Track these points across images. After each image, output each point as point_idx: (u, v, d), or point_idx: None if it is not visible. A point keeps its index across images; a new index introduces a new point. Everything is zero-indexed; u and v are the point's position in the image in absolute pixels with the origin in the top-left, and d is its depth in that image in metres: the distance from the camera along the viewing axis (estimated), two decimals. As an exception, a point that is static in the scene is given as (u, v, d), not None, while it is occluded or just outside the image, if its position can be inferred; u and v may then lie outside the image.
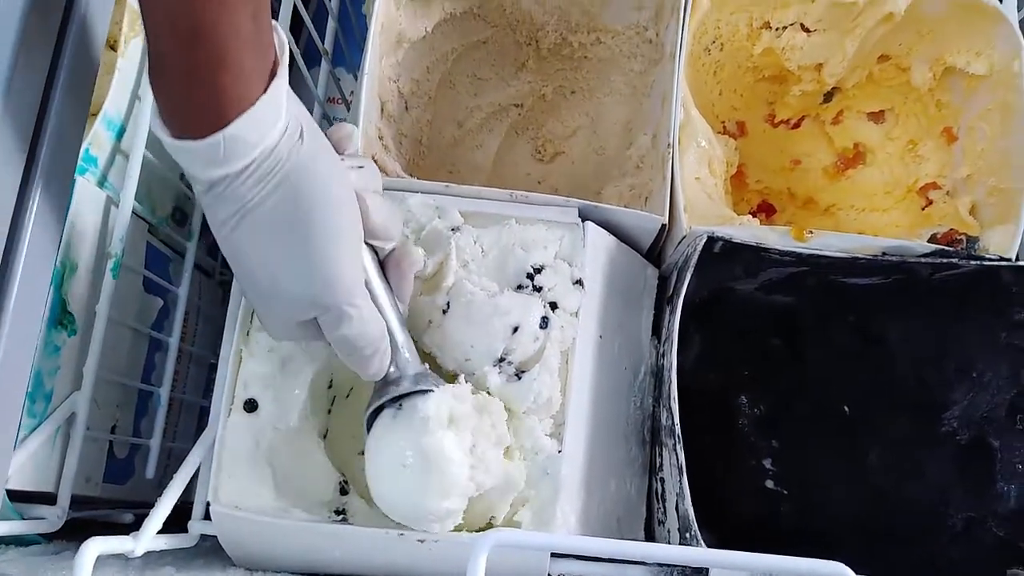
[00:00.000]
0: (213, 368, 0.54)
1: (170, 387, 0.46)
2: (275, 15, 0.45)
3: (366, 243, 0.33)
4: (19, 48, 0.27)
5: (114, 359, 0.41)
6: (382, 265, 0.34)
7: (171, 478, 0.35)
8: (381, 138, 0.44)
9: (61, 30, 0.29)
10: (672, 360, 0.37)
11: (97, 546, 0.28)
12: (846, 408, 0.43)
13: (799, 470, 0.43)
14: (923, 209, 0.47)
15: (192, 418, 0.53)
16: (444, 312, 0.36)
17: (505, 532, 0.27)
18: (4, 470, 0.27)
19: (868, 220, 0.49)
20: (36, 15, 0.28)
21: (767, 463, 0.44)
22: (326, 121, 0.54)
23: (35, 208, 0.27)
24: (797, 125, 0.51)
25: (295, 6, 0.46)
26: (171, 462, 0.48)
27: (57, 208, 0.29)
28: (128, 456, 0.44)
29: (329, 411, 0.39)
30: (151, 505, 0.35)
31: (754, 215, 0.49)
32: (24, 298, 0.27)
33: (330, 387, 0.39)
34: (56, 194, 0.28)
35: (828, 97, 0.49)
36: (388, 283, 0.34)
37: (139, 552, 0.31)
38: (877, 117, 0.50)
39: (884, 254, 0.39)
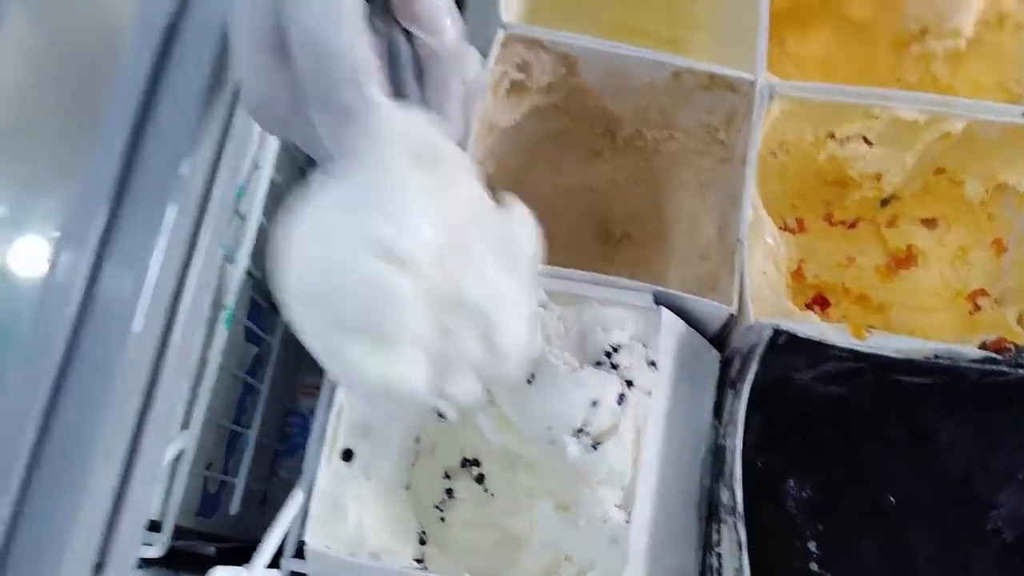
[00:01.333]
0: (287, 412, 0.58)
1: (257, 429, 0.49)
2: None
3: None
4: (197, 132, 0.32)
5: (215, 402, 0.45)
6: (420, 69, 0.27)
7: (248, 514, 0.39)
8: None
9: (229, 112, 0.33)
10: (736, 442, 0.40)
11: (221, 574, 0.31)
12: (892, 499, 0.45)
13: (843, 556, 0.45)
14: (971, 314, 0.50)
15: (264, 457, 0.56)
16: (529, 382, 0.40)
17: None
18: (146, 500, 0.31)
19: (918, 319, 0.52)
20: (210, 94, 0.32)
21: (812, 546, 0.46)
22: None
23: (198, 267, 0.31)
24: (853, 225, 0.54)
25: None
26: (248, 498, 0.51)
27: (212, 269, 0.33)
28: (216, 492, 0.47)
29: (413, 464, 0.42)
30: (230, 539, 0.38)
31: (810, 307, 0.52)
32: (182, 347, 0.31)
33: (417, 442, 0.42)
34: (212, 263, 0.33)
35: (885, 202, 0.52)
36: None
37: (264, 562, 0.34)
38: (930, 224, 0.53)
39: (936, 357, 0.42)
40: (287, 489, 0.39)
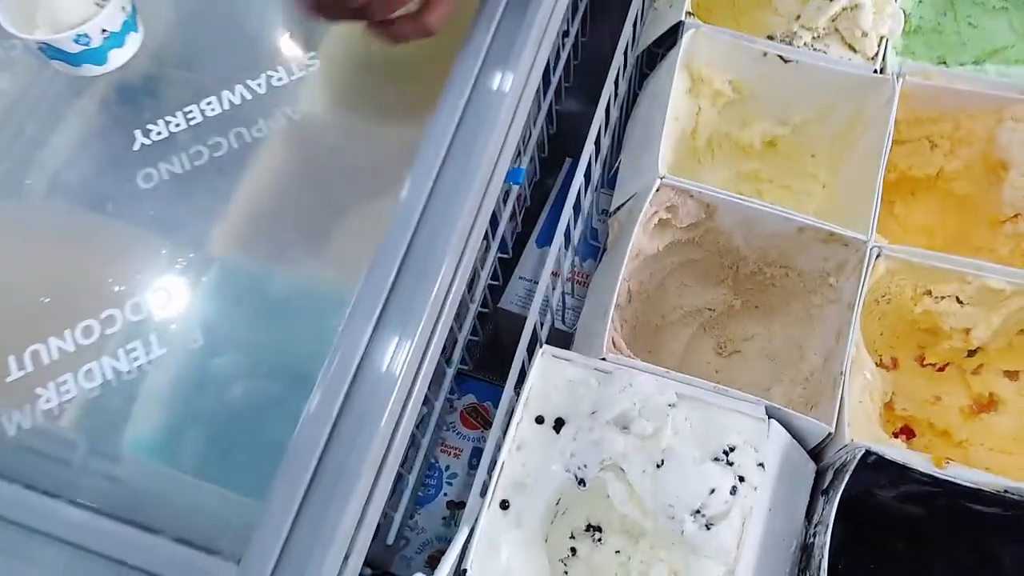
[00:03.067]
0: (429, 465, 0.68)
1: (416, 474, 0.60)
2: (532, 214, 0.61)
3: None
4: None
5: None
6: None
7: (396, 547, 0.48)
8: (615, 324, 0.58)
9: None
10: (825, 540, 0.48)
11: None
12: (959, 613, 0.52)
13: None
14: (1046, 460, 0.57)
15: (411, 500, 0.66)
16: (658, 467, 0.49)
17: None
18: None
19: (994, 458, 0.59)
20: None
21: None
22: (563, 296, 0.69)
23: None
24: (942, 369, 0.62)
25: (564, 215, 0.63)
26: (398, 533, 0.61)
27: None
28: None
29: (551, 523, 0.52)
30: (381, 566, 0.47)
31: (896, 435, 0.60)
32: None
33: (557, 503, 0.52)
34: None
35: (972, 353, 0.60)
36: None
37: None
38: (1012, 376, 0.60)
39: (1006, 491, 0.49)
40: (420, 532, 0.49)
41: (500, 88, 0.49)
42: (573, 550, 0.52)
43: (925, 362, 0.62)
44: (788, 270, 0.63)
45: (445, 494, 0.69)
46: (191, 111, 0.50)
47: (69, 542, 0.37)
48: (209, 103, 0.50)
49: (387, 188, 0.47)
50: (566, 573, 0.52)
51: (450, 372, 0.64)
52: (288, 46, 0.54)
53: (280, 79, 0.52)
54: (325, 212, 0.50)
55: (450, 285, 0.49)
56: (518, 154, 0.67)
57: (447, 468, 0.70)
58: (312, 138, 0.52)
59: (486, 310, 0.73)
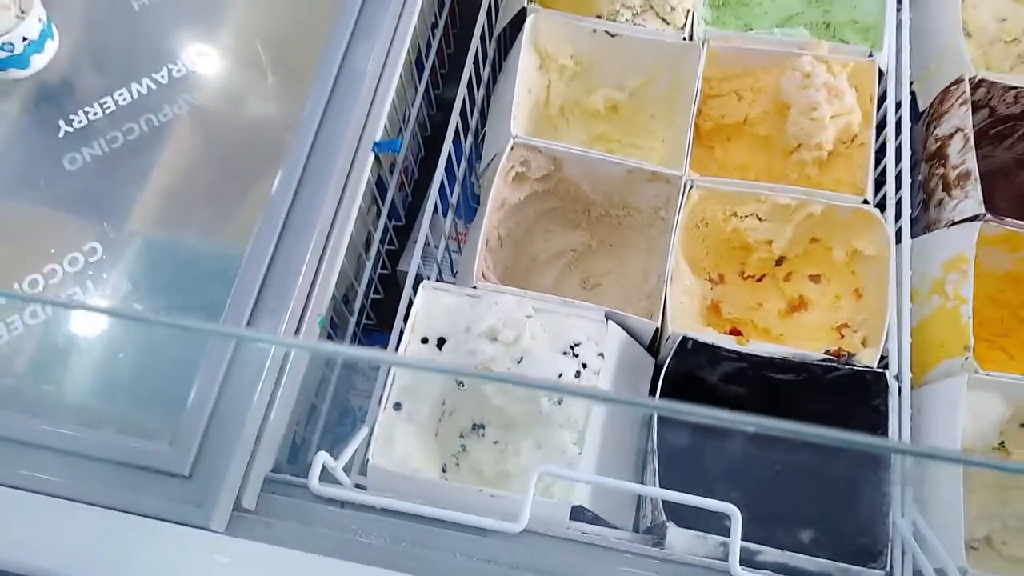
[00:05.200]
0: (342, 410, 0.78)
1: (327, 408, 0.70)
2: (424, 186, 0.73)
3: None
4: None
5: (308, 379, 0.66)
6: None
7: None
8: (486, 262, 0.70)
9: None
10: (654, 415, 0.60)
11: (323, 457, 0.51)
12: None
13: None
14: (839, 339, 0.70)
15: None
16: (519, 363, 0.61)
17: (551, 466, 0.50)
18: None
19: (804, 346, 0.72)
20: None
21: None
22: (447, 253, 0.81)
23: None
24: (760, 279, 0.75)
25: (436, 177, 0.74)
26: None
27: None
28: (299, 446, 0.68)
29: (439, 420, 0.63)
30: None
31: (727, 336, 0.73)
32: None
33: (443, 403, 0.63)
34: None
35: (779, 262, 0.74)
36: None
37: (343, 463, 0.53)
38: (815, 279, 0.74)
39: (793, 357, 0.62)
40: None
41: (362, 69, 0.60)
42: (463, 447, 0.64)
43: (745, 275, 0.75)
44: (629, 209, 0.75)
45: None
46: (106, 101, 0.59)
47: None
48: (121, 94, 0.60)
49: (272, 159, 0.58)
50: (458, 464, 0.63)
51: (352, 322, 0.74)
52: (185, 42, 0.64)
53: (179, 71, 0.61)
54: (221, 184, 0.60)
55: (326, 241, 0.59)
56: (399, 130, 0.78)
57: (360, 408, 0.80)
58: (208, 120, 0.62)
59: (386, 271, 0.84)
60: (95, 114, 0.59)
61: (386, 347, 0.85)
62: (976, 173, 0.68)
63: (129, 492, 0.45)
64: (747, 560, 0.53)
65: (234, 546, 0.44)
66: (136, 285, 0.55)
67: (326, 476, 0.53)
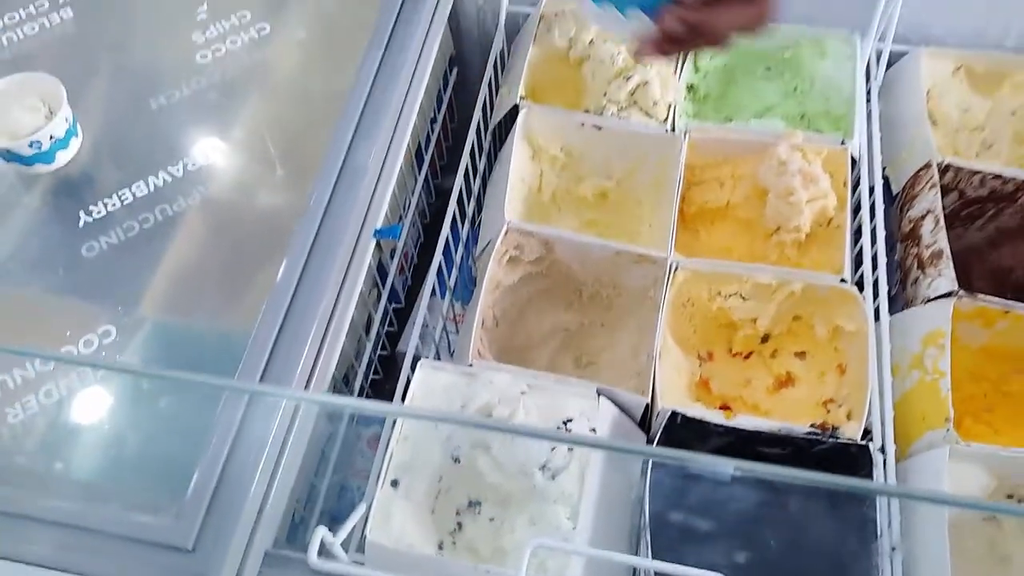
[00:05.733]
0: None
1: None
2: (423, 270, 0.76)
3: None
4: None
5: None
6: None
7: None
8: (481, 340, 0.73)
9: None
10: (646, 483, 0.61)
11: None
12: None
13: None
14: (826, 414, 0.72)
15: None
16: (512, 438, 0.62)
17: (545, 539, 0.51)
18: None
19: (791, 422, 0.74)
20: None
21: None
22: (445, 334, 0.83)
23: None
24: (747, 356, 0.78)
25: (435, 261, 0.78)
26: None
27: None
28: (298, 523, 0.69)
29: (436, 496, 0.64)
30: None
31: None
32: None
33: (439, 480, 0.64)
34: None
35: (765, 339, 0.76)
36: None
37: (341, 539, 0.55)
38: (801, 356, 0.77)
39: (780, 431, 0.64)
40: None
41: (363, 163, 0.65)
42: (459, 524, 0.65)
43: (733, 352, 0.77)
44: (619, 289, 0.79)
45: (359, 510, 0.80)
46: (124, 193, 0.63)
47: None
48: (138, 186, 0.64)
49: (278, 247, 0.61)
50: (454, 543, 0.64)
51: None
52: (199, 138, 0.69)
53: (194, 165, 0.66)
54: (229, 270, 0.64)
55: (328, 324, 0.62)
56: (399, 217, 0.82)
57: (358, 488, 0.82)
58: (219, 210, 0.66)
59: (385, 352, 0.87)
60: (113, 205, 0.63)
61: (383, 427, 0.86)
62: (948, 252, 0.71)
63: (134, 565, 0.47)
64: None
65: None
66: (147, 366, 0.58)
67: (324, 553, 0.54)
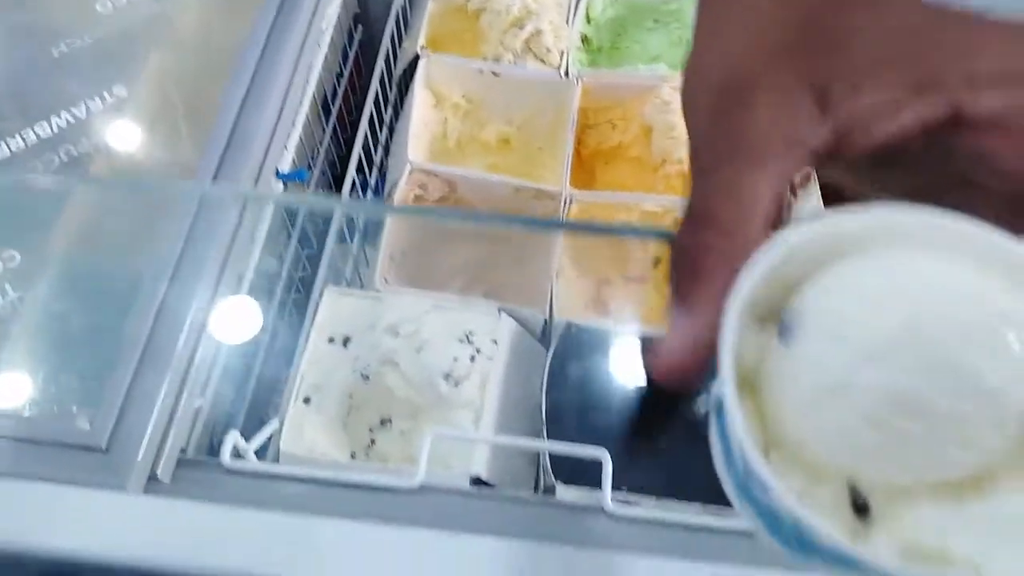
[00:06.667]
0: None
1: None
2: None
3: None
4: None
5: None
6: None
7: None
8: (389, 272, 0.76)
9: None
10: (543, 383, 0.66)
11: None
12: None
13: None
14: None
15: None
16: (418, 352, 0.66)
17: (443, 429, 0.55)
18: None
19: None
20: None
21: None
22: (358, 275, 0.86)
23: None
24: (641, 281, 0.83)
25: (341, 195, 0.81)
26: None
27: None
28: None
29: (348, 413, 0.68)
30: None
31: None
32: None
33: (350, 397, 0.68)
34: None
35: (656, 263, 0.82)
36: None
37: (254, 447, 0.58)
38: (690, 280, 0.83)
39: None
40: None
41: (260, 113, 0.68)
42: (372, 440, 0.68)
43: (628, 277, 0.83)
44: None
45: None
46: (27, 133, 0.65)
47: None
48: (41, 126, 0.66)
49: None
50: (367, 456, 0.68)
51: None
52: (101, 83, 0.71)
53: (96, 108, 0.68)
54: (132, 212, 0.66)
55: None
56: (308, 165, 0.85)
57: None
58: (118, 157, 0.68)
59: (299, 295, 0.89)
60: (18, 145, 0.65)
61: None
62: (815, 176, 0.78)
63: (47, 466, 0.49)
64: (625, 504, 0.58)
65: (150, 503, 0.48)
66: (55, 296, 0.60)
67: (238, 457, 0.57)
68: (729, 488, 0.26)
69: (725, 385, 0.23)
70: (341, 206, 0.69)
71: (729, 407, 0.23)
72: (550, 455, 0.62)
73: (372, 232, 0.90)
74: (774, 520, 0.23)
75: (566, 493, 0.59)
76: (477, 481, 0.61)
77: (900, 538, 0.22)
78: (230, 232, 0.62)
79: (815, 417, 0.23)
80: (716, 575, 0.46)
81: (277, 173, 0.73)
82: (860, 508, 0.23)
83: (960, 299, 0.22)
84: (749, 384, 0.25)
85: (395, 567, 0.47)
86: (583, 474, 0.59)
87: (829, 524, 0.22)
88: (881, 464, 0.23)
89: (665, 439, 0.68)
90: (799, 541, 0.23)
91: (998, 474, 0.22)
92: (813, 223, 0.26)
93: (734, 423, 0.23)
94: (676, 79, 0.84)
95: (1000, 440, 0.22)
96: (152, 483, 0.51)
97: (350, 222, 0.86)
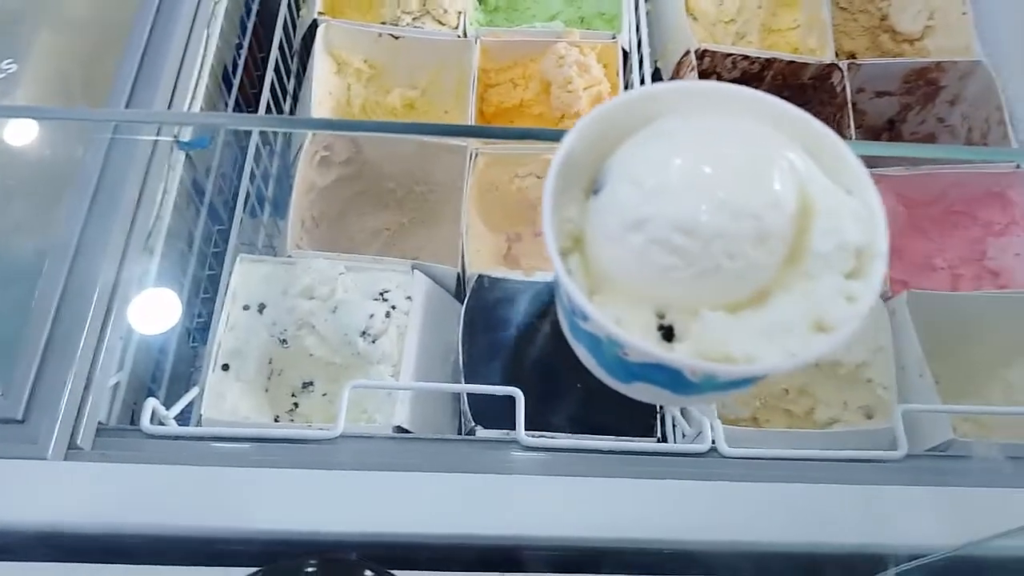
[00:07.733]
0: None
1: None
2: (240, 173, 0.79)
3: None
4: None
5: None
6: None
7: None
8: (302, 239, 0.77)
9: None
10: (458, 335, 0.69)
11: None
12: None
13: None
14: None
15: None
16: (334, 312, 0.68)
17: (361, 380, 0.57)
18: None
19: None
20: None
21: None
22: (269, 238, 0.87)
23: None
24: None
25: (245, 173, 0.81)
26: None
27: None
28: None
29: (269, 377, 0.69)
30: None
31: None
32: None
33: (270, 362, 0.69)
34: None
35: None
36: None
37: (174, 414, 0.58)
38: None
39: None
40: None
41: (155, 86, 0.68)
42: (295, 404, 0.70)
43: (537, 232, 0.86)
44: (431, 185, 0.85)
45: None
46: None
47: None
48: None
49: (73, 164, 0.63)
50: (292, 420, 0.69)
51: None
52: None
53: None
54: (26, 191, 0.65)
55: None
56: (211, 134, 0.85)
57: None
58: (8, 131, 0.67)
59: (214, 272, 0.89)
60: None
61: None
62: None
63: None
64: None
65: (73, 468, 0.49)
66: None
67: (158, 423, 0.58)
68: (567, 331, 0.33)
69: (549, 245, 0.31)
70: (260, 121, 0.70)
71: (552, 257, 0.30)
72: (470, 404, 0.65)
73: (282, 205, 0.90)
74: (597, 346, 0.30)
75: (486, 435, 0.62)
76: (400, 430, 0.64)
77: (695, 350, 0.29)
78: (132, 205, 0.62)
79: (620, 248, 0.30)
80: (614, 488, 0.49)
81: (179, 142, 0.73)
82: (666, 333, 0.30)
83: (735, 144, 0.30)
84: (580, 243, 0.32)
85: (319, 506, 0.49)
86: (502, 420, 0.62)
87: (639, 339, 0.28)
88: (675, 287, 0.29)
89: (576, 380, 0.72)
90: (620, 363, 0.30)
91: (770, 292, 0.30)
92: (617, 98, 0.34)
93: (557, 269, 0.30)
94: (571, 35, 0.87)
95: (765, 255, 0.29)
96: (73, 451, 0.51)
97: (259, 195, 0.86)
